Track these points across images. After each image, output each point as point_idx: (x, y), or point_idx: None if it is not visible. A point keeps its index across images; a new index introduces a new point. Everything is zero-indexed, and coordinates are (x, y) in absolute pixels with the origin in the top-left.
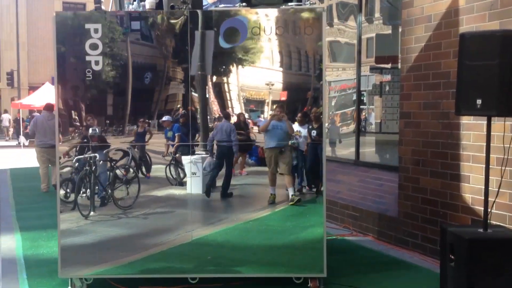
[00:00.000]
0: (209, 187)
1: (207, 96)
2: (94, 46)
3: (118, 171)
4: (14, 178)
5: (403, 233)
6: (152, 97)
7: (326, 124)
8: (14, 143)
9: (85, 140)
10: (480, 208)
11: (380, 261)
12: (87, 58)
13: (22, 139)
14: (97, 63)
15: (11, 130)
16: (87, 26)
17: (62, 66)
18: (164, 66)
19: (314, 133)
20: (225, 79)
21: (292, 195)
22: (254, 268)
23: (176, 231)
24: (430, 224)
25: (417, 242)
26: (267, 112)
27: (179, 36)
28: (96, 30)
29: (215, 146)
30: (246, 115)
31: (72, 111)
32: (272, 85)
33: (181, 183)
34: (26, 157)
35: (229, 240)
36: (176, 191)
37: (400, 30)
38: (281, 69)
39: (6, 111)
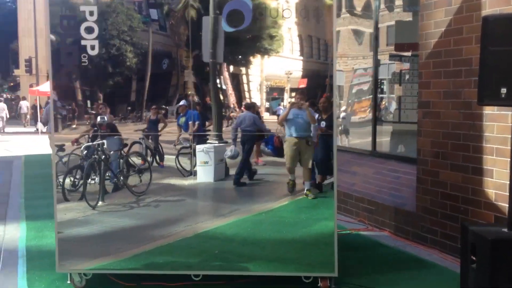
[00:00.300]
0: (240, 175)
1: (219, 84)
2: (89, 30)
3: (130, 160)
4: (28, 165)
5: (421, 228)
6: (166, 83)
7: (342, 114)
8: (32, 129)
9: (95, 128)
10: (504, 205)
11: (397, 258)
12: (82, 42)
13: (39, 125)
14: (92, 47)
15: (29, 116)
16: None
17: (57, 52)
18: (177, 53)
19: (323, 124)
20: (242, 68)
21: (307, 190)
22: (261, 265)
23: (185, 222)
24: (450, 220)
25: (436, 238)
26: (286, 100)
27: (190, 22)
28: (91, 13)
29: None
30: (267, 104)
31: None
32: (291, 73)
33: (193, 173)
34: (42, 144)
35: (239, 233)
36: (187, 181)
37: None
38: (300, 57)
39: (24, 98)
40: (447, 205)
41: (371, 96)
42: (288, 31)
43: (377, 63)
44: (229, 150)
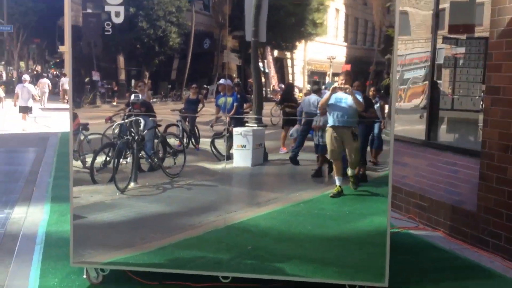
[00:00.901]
0: (297, 152)
1: (262, 67)
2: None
3: (166, 141)
4: (63, 142)
5: (482, 231)
6: (207, 63)
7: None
8: None
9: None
10: None
11: (454, 265)
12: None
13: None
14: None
15: None
16: None
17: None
18: (219, 33)
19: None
20: (286, 52)
21: (350, 176)
22: (298, 266)
23: (217, 211)
24: None
25: (500, 244)
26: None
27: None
28: None
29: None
30: (308, 87)
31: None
32: (333, 58)
33: (229, 157)
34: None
35: (274, 227)
36: (223, 165)
37: None
38: (344, 43)
39: (65, 75)
40: None
41: (420, 83)
42: (335, 15)
43: (435, 46)
44: (295, 131)
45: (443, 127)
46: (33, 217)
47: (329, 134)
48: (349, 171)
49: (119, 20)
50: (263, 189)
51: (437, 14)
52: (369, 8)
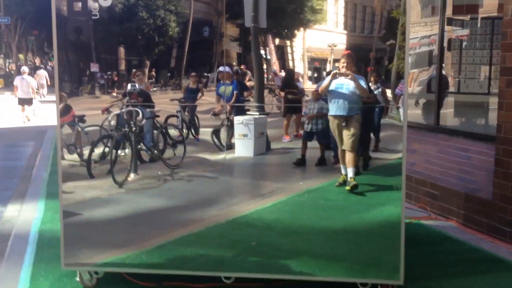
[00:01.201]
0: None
1: (263, 54)
2: None
3: (165, 132)
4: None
5: (499, 220)
6: (207, 51)
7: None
8: None
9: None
10: None
11: (471, 257)
12: None
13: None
14: None
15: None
16: None
17: None
18: (218, 20)
19: None
20: (286, 40)
21: (350, 178)
22: (305, 263)
23: (219, 204)
24: None
25: None
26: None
27: None
28: None
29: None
30: (309, 73)
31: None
32: (335, 45)
33: (230, 147)
34: None
35: (278, 220)
36: (224, 155)
37: None
38: (344, 31)
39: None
40: None
41: (424, 68)
42: (334, 2)
43: (443, 29)
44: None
45: (450, 110)
46: (26, 215)
47: (332, 124)
48: (349, 172)
49: (106, 3)
50: (266, 179)
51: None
52: None
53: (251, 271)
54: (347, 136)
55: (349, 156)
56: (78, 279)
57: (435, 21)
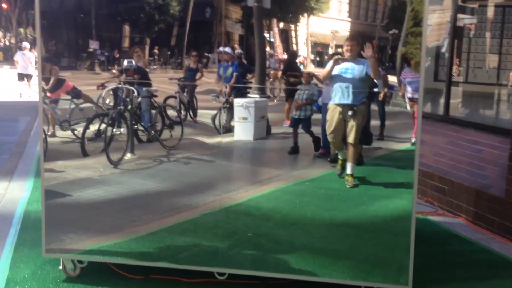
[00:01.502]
0: None
1: (267, 37)
2: None
3: (164, 113)
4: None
5: (511, 220)
6: (208, 31)
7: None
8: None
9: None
10: None
11: (481, 258)
12: None
13: None
14: None
15: None
16: None
17: None
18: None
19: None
20: (291, 25)
21: (349, 175)
22: (305, 260)
23: (215, 190)
24: None
25: None
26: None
27: None
28: None
29: None
30: (312, 57)
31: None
32: (337, 32)
33: (229, 130)
34: None
35: (277, 209)
36: (223, 138)
37: None
38: (348, 19)
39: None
40: None
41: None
42: None
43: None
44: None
45: (458, 100)
46: (12, 194)
47: (331, 112)
48: (348, 168)
49: None
50: (265, 166)
51: None
52: None
53: (246, 268)
54: (351, 128)
55: (351, 150)
56: (60, 267)
57: (444, 9)
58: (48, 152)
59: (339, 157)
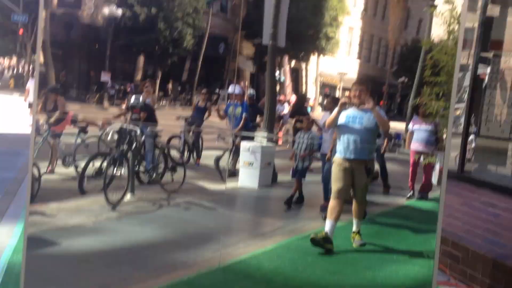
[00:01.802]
0: None
1: (277, 75)
2: None
3: (167, 153)
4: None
5: None
6: (220, 67)
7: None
8: None
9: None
10: None
11: None
12: None
13: None
14: None
15: None
16: None
17: None
18: (233, 37)
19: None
20: (302, 63)
21: (355, 232)
22: None
23: (215, 243)
24: None
25: None
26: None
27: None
28: None
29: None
30: (320, 99)
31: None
32: (345, 74)
33: (234, 173)
34: None
35: (279, 270)
36: (226, 184)
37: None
38: (358, 60)
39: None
40: None
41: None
42: (349, 31)
43: (476, 64)
44: None
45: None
46: None
47: (337, 167)
48: (355, 225)
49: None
50: (268, 216)
51: (484, 22)
52: (385, 25)
53: None
54: (359, 185)
55: (359, 207)
56: None
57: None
58: (40, 191)
59: (325, 228)
